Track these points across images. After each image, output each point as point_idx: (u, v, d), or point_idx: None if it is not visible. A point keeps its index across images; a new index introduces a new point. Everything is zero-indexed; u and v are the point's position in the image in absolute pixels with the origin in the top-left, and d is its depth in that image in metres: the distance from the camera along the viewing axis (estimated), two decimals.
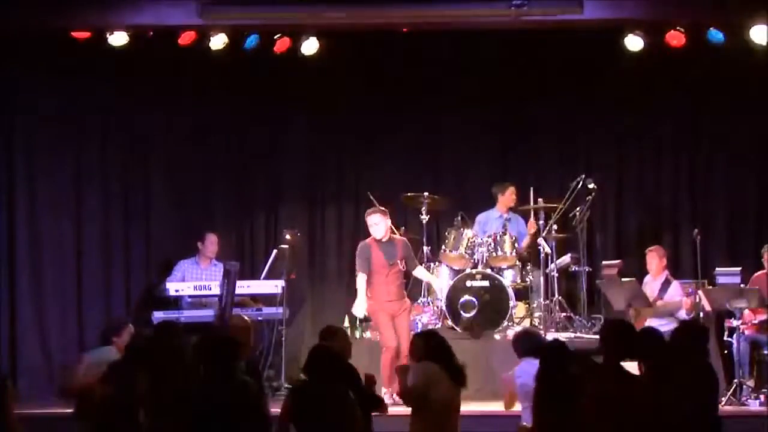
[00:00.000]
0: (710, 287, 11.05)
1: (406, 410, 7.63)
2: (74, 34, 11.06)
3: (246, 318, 8.72)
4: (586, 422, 6.72)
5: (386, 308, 10.54)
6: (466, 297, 11.41)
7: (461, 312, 11.40)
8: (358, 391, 7.32)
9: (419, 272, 11.09)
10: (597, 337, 7.46)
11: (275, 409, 7.16)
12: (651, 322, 10.93)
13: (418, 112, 12.67)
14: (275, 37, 11.24)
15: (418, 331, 10.33)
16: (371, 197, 11.85)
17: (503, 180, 12.28)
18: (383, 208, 10.83)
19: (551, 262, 11.65)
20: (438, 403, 7.37)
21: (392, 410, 7.86)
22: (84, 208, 12.06)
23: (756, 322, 10.76)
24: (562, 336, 10.67)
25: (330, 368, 6.91)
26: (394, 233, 10.98)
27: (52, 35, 11.17)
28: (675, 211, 12.63)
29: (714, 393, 7.05)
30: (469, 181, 12.75)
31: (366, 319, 11.20)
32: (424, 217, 11.84)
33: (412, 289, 12.01)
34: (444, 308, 11.48)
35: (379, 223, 10.59)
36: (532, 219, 11.97)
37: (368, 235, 10.75)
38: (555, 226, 11.74)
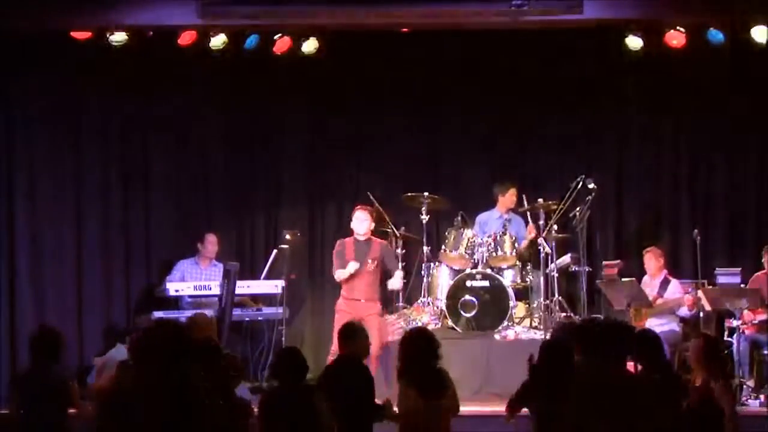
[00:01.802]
0: (710, 287, 11.04)
1: None
2: (74, 34, 11.06)
3: (207, 315, 8.74)
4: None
5: (353, 308, 10.67)
6: (466, 297, 11.42)
7: (461, 312, 11.41)
8: (367, 396, 7.32)
9: (394, 282, 11.17)
10: None
11: None
12: (651, 321, 10.97)
13: (418, 112, 12.66)
14: (275, 37, 11.24)
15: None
16: (371, 197, 11.86)
17: (504, 180, 12.27)
18: (371, 208, 11.01)
19: (551, 262, 11.64)
20: (416, 424, 7.32)
21: None
22: (84, 208, 12.05)
23: (756, 322, 10.76)
24: None
25: (296, 371, 6.91)
26: (375, 236, 11.04)
27: (52, 35, 11.18)
28: (675, 211, 12.63)
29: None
30: (469, 181, 12.74)
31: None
32: (424, 217, 11.83)
33: (413, 289, 12.03)
34: (444, 308, 11.49)
35: (363, 220, 10.82)
36: (531, 223, 11.96)
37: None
38: (555, 226, 11.73)
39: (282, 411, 6.85)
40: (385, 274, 11.21)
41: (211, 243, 11.95)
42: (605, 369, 6.93)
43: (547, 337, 10.52)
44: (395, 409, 7.40)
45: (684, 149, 12.66)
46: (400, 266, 11.34)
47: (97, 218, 12.10)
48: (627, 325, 7.35)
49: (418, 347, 7.34)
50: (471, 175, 12.75)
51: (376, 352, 10.52)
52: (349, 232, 11.17)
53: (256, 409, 7.23)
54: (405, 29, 11.52)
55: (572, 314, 11.67)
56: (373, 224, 10.90)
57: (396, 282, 11.21)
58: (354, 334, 7.64)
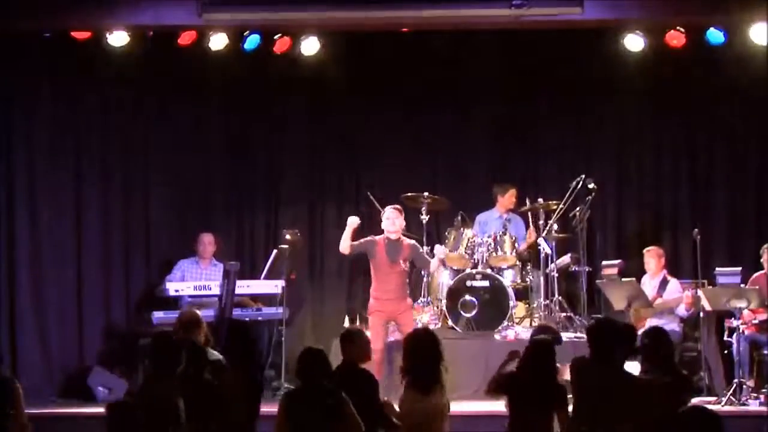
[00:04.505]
0: (710, 287, 11.04)
1: None
2: (74, 34, 11.06)
3: (196, 311, 8.72)
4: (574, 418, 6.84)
5: (385, 307, 10.64)
6: (466, 297, 11.42)
7: (461, 312, 11.41)
8: (369, 402, 7.19)
9: (432, 264, 11.04)
10: None
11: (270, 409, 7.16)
12: (651, 322, 10.96)
13: (418, 112, 12.66)
14: (275, 37, 11.25)
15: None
16: (371, 197, 11.87)
17: (504, 180, 12.28)
18: (400, 207, 10.95)
19: (551, 262, 11.65)
20: (419, 424, 7.25)
21: None
22: (84, 208, 12.05)
23: (756, 322, 10.76)
24: (563, 336, 10.66)
25: (320, 371, 6.83)
26: (405, 236, 11.02)
27: (52, 35, 11.18)
28: (675, 211, 12.63)
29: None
30: (469, 181, 12.75)
31: (365, 319, 11.23)
32: (424, 217, 11.83)
33: (413, 289, 12.02)
34: (444, 308, 11.49)
35: (392, 219, 10.71)
36: (531, 228, 11.96)
37: (372, 233, 10.93)
38: (555, 226, 11.74)
39: (307, 411, 6.75)
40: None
41: (204, 243, 11.92)
42: (612, 371, 6.95)
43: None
44: (397, 408, 7.37)
45: (684, 149, 12.66)
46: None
47: (97, 218, 12.09)
48: (630, 327, 7.36)
49: (424, 347, 7.28)
50: (471, 175, 12.76)
51: None
52: (361, 233, 11.06)
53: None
54: (405, 29, 11.52)
55: (572, 314, 11.68)
56: (404, 222, 10.87)
57: (434, 264, 11.01)
58: (352, 340, 7.56)
